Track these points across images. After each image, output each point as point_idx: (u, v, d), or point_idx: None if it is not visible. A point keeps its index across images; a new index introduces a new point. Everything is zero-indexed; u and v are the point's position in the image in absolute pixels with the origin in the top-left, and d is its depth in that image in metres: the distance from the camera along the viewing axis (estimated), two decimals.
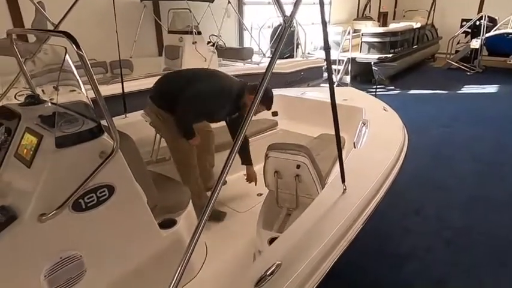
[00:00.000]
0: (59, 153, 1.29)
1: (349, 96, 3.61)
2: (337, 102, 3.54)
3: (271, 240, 1.79)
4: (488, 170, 4.35)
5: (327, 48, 1.62)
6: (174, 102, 2.36)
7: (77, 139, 1.33)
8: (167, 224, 1.82)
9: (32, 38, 4.03)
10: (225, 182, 1.21)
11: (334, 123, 1.70)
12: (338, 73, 8.68)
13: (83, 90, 1.36)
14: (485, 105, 7.45)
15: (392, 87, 8.92)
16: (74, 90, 1.49)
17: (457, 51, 11.18)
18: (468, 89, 8.83)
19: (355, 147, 2.27)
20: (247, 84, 2.52)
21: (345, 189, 1.73)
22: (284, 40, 1.29)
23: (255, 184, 2.79)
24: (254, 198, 2.89)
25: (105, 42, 4.13)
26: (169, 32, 5.73)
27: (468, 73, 10.23)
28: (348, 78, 8.72)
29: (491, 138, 5.44)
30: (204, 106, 2.44)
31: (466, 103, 7.62)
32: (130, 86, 3.93)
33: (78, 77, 1.33)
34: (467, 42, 11.16)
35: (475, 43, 9.94)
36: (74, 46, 1.21)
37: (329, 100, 3.31)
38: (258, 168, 3.15)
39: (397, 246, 2.90)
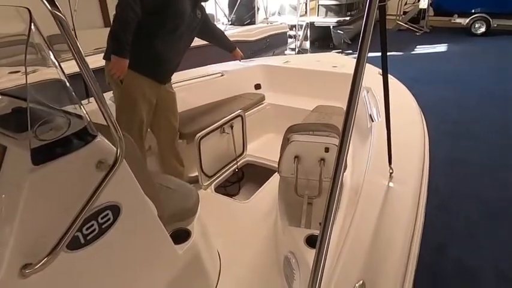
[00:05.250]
0: (38, 173, 0.85)
1: (337, 62, 3.33)
2: (326, 70, 3.31)
3: (308, 239, 1.51)
4: (460, 131, 4.44)
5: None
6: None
7: (62, 148, 0.89)
8: (179, 236, 1.45)
9: None
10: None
11: (385, 103, 1.42)
12: (297, 39, 8.40)
13: (60, 68, 0.91)
14: (439, 64, 7.74)
15: (350, 51, 8.87)
16: (35, 71, 1.03)
17: (405, 12, 11.41)
18: (421, 49, 9.09)
19: (372, 121, 2.02)
20: None
21: (391, 173, 1.49)
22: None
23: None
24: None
25: (35, 13, 3.36)
26: None
27: (417, 33, 10.53)
28: (307, 44, 8.48)
29: (454, 98, 5.61)
30: None
31: (421, 63, 7.84)
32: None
33: (50, 49, 0.89)
34: (413, 3, 11.42)
35: (423, 3, 10.17)
36: (48, 4, 0.76)
37: (318, 68, 2.90)
38: (251, 147, 2.82)
39: None
